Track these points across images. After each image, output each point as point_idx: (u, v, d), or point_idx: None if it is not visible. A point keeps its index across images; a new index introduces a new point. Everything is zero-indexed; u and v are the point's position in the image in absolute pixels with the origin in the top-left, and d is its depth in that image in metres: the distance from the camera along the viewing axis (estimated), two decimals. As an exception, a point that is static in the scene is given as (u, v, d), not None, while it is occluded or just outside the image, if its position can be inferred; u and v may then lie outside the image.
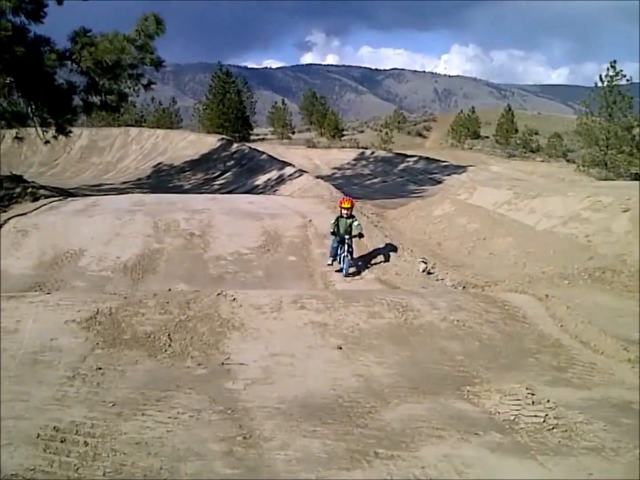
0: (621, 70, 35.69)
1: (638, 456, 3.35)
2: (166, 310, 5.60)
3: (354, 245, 9.74)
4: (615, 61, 36.10)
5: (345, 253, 9.57)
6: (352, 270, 9.57)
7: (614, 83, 35.70)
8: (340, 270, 9.54)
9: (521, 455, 3.37)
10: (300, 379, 4.51)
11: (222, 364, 4.70)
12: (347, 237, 9.58)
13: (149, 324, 5.36)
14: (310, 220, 12.20)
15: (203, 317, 5.52)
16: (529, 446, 3.49)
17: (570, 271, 9.26)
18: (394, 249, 10.63)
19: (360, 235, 9.72)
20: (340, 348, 5.16)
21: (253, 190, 22.00)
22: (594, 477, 3.15)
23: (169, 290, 6.65)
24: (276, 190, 21.03)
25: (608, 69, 35.91)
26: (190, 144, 30.95)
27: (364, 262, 9.99)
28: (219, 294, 6.03)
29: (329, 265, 9.73)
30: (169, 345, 5.00)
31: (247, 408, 3.94)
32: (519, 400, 4.12)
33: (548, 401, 4.10)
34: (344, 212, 9.77)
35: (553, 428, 3.72)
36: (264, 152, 27.89)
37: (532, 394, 4.21)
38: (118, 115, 41.33)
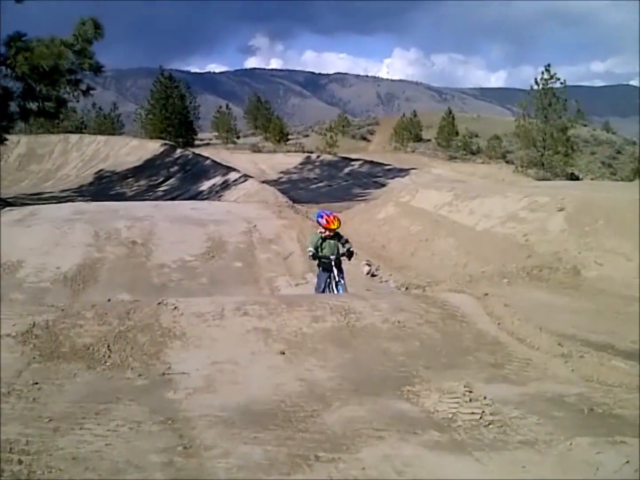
0: (555, 74, 36.99)
1: (568, 447, 3.47)
2: (105, 321, 5.50)
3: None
4: (549, 65, 37.49)
5: (337, 279, 7.67)
6: None
7: (549, 86, 36.92)
8: None
9: (458, 452, 3.46)
10: (243, 386, 4.50)
11: (163, 374, 4.65)
12: (334, 258, 7.72)
13: (87, 335, 5.25)
14: (255, 226, 12.18)
15: (143, 327, 5.44)
16: (465, 443, 3.57)
17: (509, 270, 9.54)
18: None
19: (350, 253, 7.87)
20: (284, 353, 5.16)
21: (197, 196, 21.82)
22: (527, 469, 3.26)
23: (108, 300, 6.52)
24: (221, 195, 20.92)
25: (543, 72, 37.18)
26: (132, 149, 30.45)
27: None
28: (159, 303, 5.95)
29: None
30: (109, 357, 4.91)
31: (188, 417, 3.90)
32: (457, 398, 4.21)
33: (485, 398, 4.21)
34: (329, 233, 7.78)
35: (489, 424, 3.82)
36: (208, 158, 27.67)
37: (470, 392, 4.31)
38: (57, 122, 40.38)
